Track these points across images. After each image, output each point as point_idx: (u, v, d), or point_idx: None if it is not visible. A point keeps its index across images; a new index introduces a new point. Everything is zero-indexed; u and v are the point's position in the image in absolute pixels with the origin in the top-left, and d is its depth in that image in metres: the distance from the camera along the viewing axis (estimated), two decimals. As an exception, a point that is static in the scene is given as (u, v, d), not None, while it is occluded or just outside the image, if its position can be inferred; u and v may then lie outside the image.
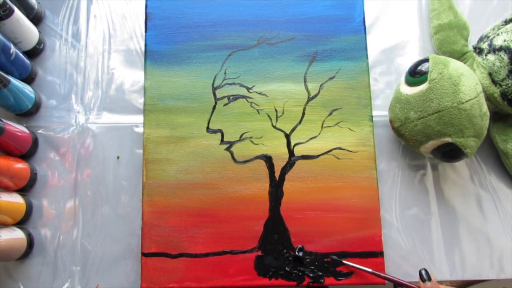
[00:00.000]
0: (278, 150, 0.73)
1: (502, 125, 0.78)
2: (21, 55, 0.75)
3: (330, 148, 0.73)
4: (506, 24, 0.75)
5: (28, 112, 0.77)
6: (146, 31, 0.76)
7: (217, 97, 0.75)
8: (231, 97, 0.75)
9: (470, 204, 0.79)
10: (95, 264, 0.74)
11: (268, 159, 0.73)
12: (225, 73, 0.75)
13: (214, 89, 0.75)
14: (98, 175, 0.77)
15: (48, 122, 0.79)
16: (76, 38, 0.83)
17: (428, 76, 0.67)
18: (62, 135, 0.78)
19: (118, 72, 0.82)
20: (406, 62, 0.83)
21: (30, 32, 0.78)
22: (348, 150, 0.73)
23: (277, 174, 0.72)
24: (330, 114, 0.74)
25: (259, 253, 0.70)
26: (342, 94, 0.75)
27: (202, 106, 0.74)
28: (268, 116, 0.74)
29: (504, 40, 0.70)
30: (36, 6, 0.81)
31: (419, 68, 0.70)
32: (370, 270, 0.67)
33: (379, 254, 0.70)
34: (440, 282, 0.74)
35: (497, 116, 0.78)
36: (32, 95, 0.76)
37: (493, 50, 0.71)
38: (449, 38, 0.80)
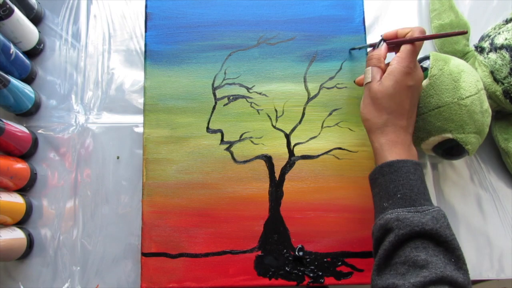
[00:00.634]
0: (278, 150, 0.73)
1: (504, 124, 0.78)
2: (21, 55, 0.75)
3: (330, 148, 0.73)
4: (507, 23, 0.75)
5: (28, 112, 0.77)
6: (146, 31, 0.76)
7: (217, 97, 0.75)
8: (231, 97, 0.75)
9: (470, 204, 0.79)
10: (95, 264, 0.74)
11: (268, 159, 0.73)
12: (225, 73, 0.75)
13: (214, 89, 0.75)
14: (98, 175, 0.77)
15: (48, 122, 0.79)
16: (76, 38, 0.83)
17: (429, 72, 0.67)
18: (62, 135, 0.78)
19: (118, 72, 0.82)
20: (406, 62, 0.83)
21: (30, 32, 0.77)
22: (348, 150, 0.73)
23: (277, 174, 0.72)
24: (330, 114, 0.74)
25: (259, 253, 0.70)
26: (342, 94, 0.75)
27: (202, 106, 0.74)
28: (268, 116, 0.74)
29: (506, 39, 0.70)
30: (36, 6, 0.81)
31: (420, 65, 0.70)
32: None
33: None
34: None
35: (499, 115, 0.78)
36: (32, 95, 0.76)
37: (495, 48, 0.71)
38: (450, 38, 0.81)
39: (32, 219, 0.75)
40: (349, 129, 0.74)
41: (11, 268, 0.73)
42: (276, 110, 0.75)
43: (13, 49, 0.72)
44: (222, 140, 0.73)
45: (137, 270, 0.71)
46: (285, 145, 0.74)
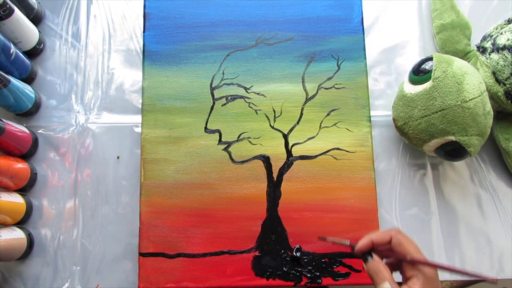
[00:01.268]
0: (276, 151, 0.73)
1: (505, 124, 0.78)
2: (21, 55, 0.75)
3: (328, 148, 0.73)
4: (509, 23, 0.75)
5: (28, 112, 0.77)
6: (144, 31, 0.76)
7: (215, 97, 0.75)
8: (229, 97, 0.75)
9: (470, 204, 0.78)
10: (95, 264, 0.74)
11: (266, 160, 0.73)
12: (223, 73, 0.75)
13: (212, 89, 0.75)
14: (98, 175, 0.77)
15: (48, 122, 0.79)
16: (76, 38, 0.83)
17: (432, 74, 0.67)
18: (62, 135, 0.79)
19: (118, 72, 0.82)
20: (406, 62, 0.83)
21: (30, 32, 0.78)
22: (346, 151, 0.73)
23: (275, 175, 0.72)
24: (328, 114, 0.74)
25: (257, 253, 0.70)
26: (340, 94, 0.75)
27: (200, 106, 0.74)
28: (266, 116, 0.74)
29: (508, 39, 0.70)
30: (36, 6, 0.81)
31: (423, 66, 0.70)
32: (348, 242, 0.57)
33: (377, 254, 0.70)
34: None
35: (500, 115, 0.78)
36: (32, 95, 0.77)
37: (497, 49, 0.71)
38: (452, 38, 0.80)
39: (32, 219, 0.75)
40: (347, 129, 0.74)
41: (11, 268, 0.74)
42: (274, 111, 0.74)
43: (13, 49, 0.73)
44: (220, 140, 0.73)
45: (137, 270, 0.71)
46: (283, 145, 0.73)
